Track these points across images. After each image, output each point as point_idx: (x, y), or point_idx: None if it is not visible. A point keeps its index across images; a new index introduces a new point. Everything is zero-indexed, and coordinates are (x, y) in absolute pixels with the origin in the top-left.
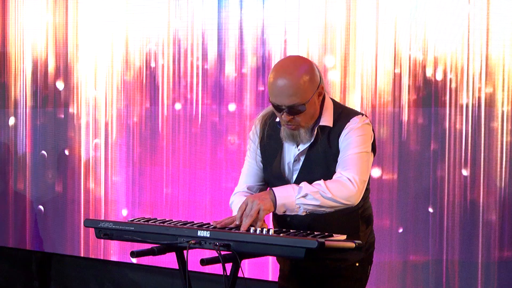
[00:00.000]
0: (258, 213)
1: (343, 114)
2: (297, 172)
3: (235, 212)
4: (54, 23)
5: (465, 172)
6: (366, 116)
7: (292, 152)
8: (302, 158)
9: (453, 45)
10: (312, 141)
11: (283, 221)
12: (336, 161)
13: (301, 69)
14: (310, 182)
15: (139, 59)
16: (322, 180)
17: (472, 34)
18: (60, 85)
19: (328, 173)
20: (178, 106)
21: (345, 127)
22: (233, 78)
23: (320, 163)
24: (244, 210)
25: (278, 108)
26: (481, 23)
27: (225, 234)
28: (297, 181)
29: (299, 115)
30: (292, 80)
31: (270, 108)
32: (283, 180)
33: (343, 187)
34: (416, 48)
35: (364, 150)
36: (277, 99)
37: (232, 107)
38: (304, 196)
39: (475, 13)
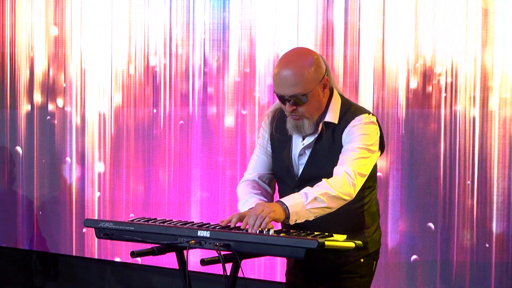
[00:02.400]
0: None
1: (350, 111)
2: (303, 166)
3: (241, 198)
4: (54, 23)
5: (463, 172)
6: (373, 115)
7: (298, 146)
8: (307, 153)
9: (453, 45)
10: (316, 136)
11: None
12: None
13: (304, 59)
14: (315, 177)
15: (140, 60)
16: (323, 179)
17: (472, 34)
18: (60, 85)
19: (333, 169)
20: (177, 106)
21: (349, 124)
22: (232, 78)
23: (325, 159)
24: (258, 214)
25: (281, 98)
26: (477, 23)
27: (225, 234)
28: (303, 176)
29: (302, 106)
30: (294, 70)
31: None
32: (290, 174)
33: (342, 182)
34: (416, 48)
35: (364, 147)
36: (280, 89)
37: (231, 107)
38: (314, 199)
39: (474, 13)
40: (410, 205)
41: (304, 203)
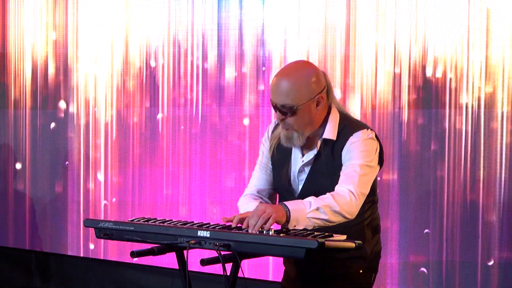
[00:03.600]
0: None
1: (348, 127)
2: (302, 182)
3: (242, 209)
4: (54, 23)
5: (465, 173)
6: (371, 130)
7: (297, 163)
8: (307, 170)
9: (453, 45)
10: (316, 153)
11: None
12: (339, 175)
13: (301, 73)
14: (315, 194)
15: (139, 59)
16: (328, 193)
17: (472, 34)
18: (59, 85)
19: (332, 186)
20: (178, 106)
21: (348, 141)
22: (233, 78)
23: (325, 175)
24: (260, 215)
25: (273, 105)
26: (481, 23)
27: (225, 234)
28: (302, 192)
29: (291, 118)
30: (288, 81)
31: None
32: (289, 190)
33: (346, 200)
34: (416, 48)
35: (365, 164)
36: (273, 96)
37: (231, 107)
38: (317, 209)
39: (475, 13)
40: (411, 206)
41: (306, 211)
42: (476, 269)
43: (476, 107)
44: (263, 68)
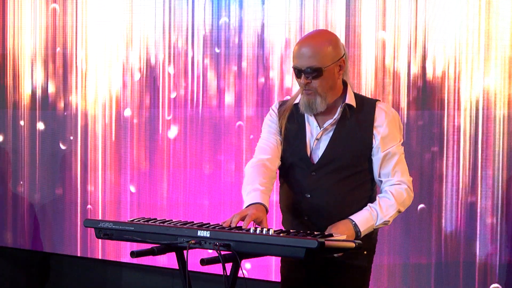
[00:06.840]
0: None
1: (365, 99)
2: (321, 150)
3: (246, 183)
4: (54, 24)
5: (464, 173)
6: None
7: (314, 131)
8: (325, 138)
9: (453, 46)
10: (337, 119)
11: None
12: (363, 142)
13: (324, 37)
14: (334, 160)
15: (139, 60)
16: (391, 196)
17: (472, 34)
18: (59, 86)
19: (352, 152)
20: (178, 107)
21: (378, 109)
22: (233, 78)
23: (345, 142)
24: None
25: (297, 71)
26: (480, 23)
27: (225, 234)
28: (321, 160)
29: (316, 80)
30: (313, 44)
31: (288, 97)
32: (306, 160)
33: (403, 198)
34: (416, 49)
35: (400, 143)
36: (297, 61)
37: (232, 107)
38: (384, 223)
39: (474, 13)
40: (411, 206)
41: (375, 225)
42: (476, 269)
43: (476, 108)
44: (263, 68)
